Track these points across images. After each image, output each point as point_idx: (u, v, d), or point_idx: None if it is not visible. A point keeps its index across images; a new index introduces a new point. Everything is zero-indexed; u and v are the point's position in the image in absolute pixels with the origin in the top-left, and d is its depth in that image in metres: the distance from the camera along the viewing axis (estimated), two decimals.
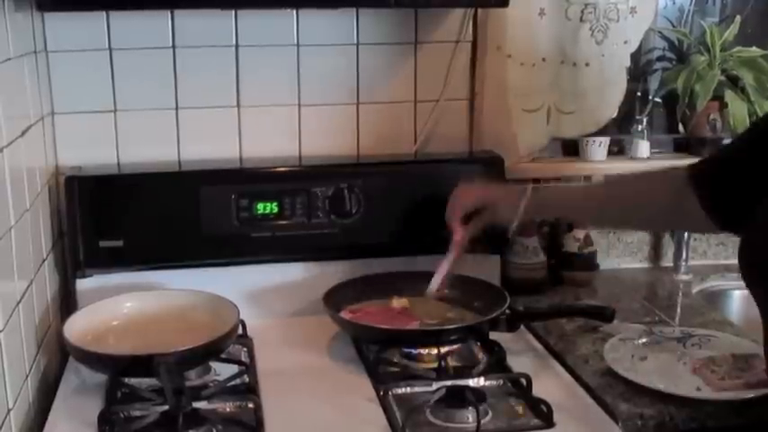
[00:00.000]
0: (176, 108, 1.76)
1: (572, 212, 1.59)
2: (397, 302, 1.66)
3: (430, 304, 1.65)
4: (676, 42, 2.13)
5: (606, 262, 2.02)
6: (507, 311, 1.55)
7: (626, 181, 1.63)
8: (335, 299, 1.62)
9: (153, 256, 1.66)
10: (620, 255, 2.05)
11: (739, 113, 2.00)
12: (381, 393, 1.38)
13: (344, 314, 1.60)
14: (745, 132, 1.33)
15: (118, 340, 1.51)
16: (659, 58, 2.15)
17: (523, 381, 1.39)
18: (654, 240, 2.06)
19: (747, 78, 2.00)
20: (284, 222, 1.70)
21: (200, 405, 1.31)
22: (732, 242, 2.08)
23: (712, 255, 2.09)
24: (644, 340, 1.55)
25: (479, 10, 1.83)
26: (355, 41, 1.81)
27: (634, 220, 1.54)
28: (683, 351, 1.51)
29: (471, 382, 1.39)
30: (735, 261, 2.06)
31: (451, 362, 1.50)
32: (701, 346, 1.52)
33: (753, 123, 1.38)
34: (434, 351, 1.49)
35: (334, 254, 1.74)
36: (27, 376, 1.33)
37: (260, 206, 1.68)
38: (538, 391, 1.37)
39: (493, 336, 1.54)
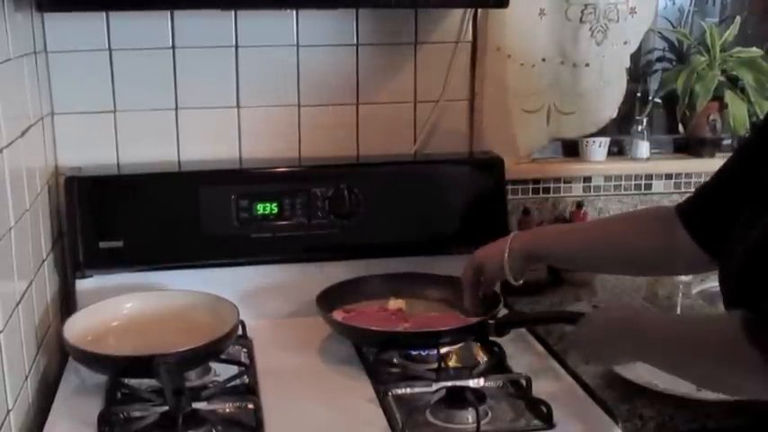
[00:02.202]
0: (176, 108, 1.76)
1: (560, 255, 1.50)
2: (394, 303, 1.66)
3: (425, 306, 1.65)
4: (676, 43, 2.14)
5: None
6: (490, 320, 1.50)
7: (612, 220, 1.59)
8: (329, 299, 1.62)
9: (153, 256, 1.66)
10: None
11: (739, 114, 2.00)
12: (381, 394, 1.38)
13: (338, 313, 1.60)
14: (728, 160, 1.32)
15: (118, 341, 1.51)
16: (659, 59, 2.16)
17: (523, 381, 1.39)
18: None
19: (747, 79, 2.00)
20: (284, 223, 1.70)
21: (200, 406, 1.31)
22: None
23: None
24: None
25: (479, 10, 1.83)
26: (355, 42, 1.81)
27: (625, 261, 1.44)
28: None
29: (471, 383, 1.39)
30: None
31: (451, 362, 1.50)
32: None
33: (735, 150, 1.37)
34: (434, 352, 1.49)
35: (335, 254, 1.73)
36: (27, 377, 1.33)
37: (260, 207, 1.68)
38: (538, 391, 1.37)
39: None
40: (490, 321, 1.50)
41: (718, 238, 1.22)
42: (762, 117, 1.99)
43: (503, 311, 1.58)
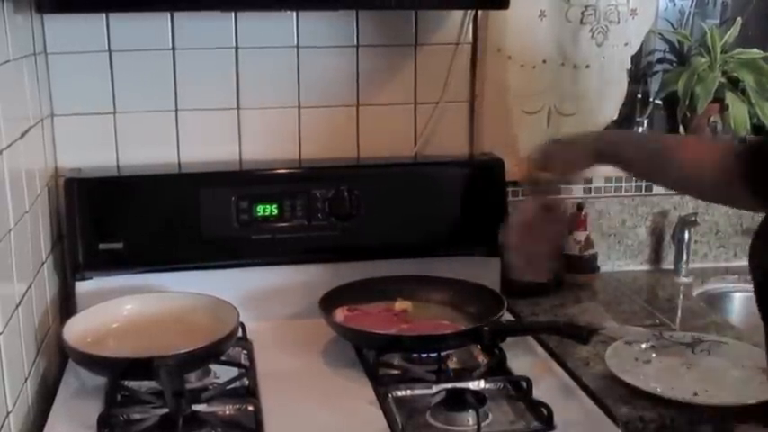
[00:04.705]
0: (176, 110, 1.76)
1: (625, 156, 1.38)
2: (400, 305, 1.66)
3: (432, 309, 1.65)
4: (677, 44, 2.13)
5: (607, 264, 2.02)
6: (485, 327, 1.50)
7: (681, 142, 1.51)
8: (333, 299, 1.62)
9: (153, 258, 1.66)
10: (621, 257, 2.05)
11: (740, 115, 2.00)
12: (381, 396, 1.38)
13: (341, 311, 1.61)
14: None
15: (118, 343, 1.51)
16: (660, 60, 2.15)
17: (524, 383, 1.39)
18: (654, 243, 2.06)
19: (748, 80, 2.00)
20: (284, 224, 1.69)
21: (200, 408, 1.31)
22: (732, 244, 2.08)
23: (713, 257, 2.09)
24: (650, 344, 1.54)
25: (479, 12, 1.83)
26: (355, 43, 1.81)
27: (685, 186, 1.39)
28: (690, 356, 1.50)
29: (472, 385, 1.39)
30: (735, 263, 2.07)
31: (452, 364, 1.50)
32: (709, 352, 1.51)
33: None
34: (433, 354, 1.48)
35: (335, 256, 1.73)
36: (26, 379, 1.32)
37: (260, 208, 1.68)
38: (538, 393, 1.37)
39: None
40: (485, 328, 1.49)
41: None
42: (762, 119, 1.99)
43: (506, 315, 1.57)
